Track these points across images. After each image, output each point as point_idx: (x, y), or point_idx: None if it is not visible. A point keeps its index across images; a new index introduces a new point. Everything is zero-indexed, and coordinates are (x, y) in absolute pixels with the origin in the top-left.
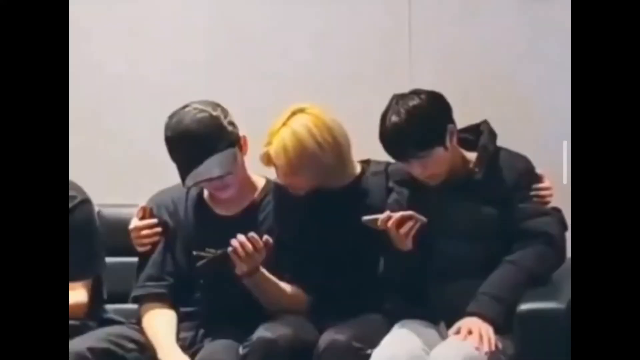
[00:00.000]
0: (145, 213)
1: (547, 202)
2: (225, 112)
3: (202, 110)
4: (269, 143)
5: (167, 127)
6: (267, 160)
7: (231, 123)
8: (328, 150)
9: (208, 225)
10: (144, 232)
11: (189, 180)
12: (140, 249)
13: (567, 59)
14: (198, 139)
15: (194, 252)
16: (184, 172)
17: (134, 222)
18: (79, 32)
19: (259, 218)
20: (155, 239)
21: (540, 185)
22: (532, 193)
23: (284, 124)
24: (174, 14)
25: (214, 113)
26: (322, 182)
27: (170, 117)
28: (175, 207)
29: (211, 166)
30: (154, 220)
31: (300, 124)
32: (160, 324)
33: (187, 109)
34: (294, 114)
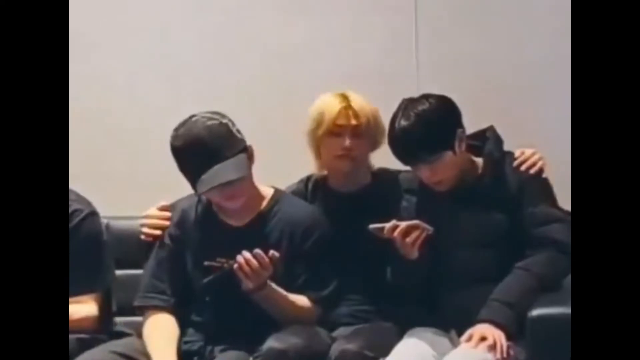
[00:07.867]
0: (165, 207)
1: (540, 168)
2: (231, 121)
3: (210, 118)
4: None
5: (175, 138)
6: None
7: (238, 131)
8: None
9: (217, 235)
10: (154, 221)
11: (203, 186)
12: (143, 237)
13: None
14: (210, 146)
15: (205, 263)
16: (195, 180)
17: (151, 210)
18: (82, 42)
19: (268, 228)
20: (158, 233)
21: (520, 157)
22: (516, 163)
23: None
24: (177, 22)
25: (223, 120)
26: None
27: (177, 129)
28: (184, 217)
29: (225, 171)
30: (168, 214)
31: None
32: (160, 337)
33: (194, 119)
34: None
